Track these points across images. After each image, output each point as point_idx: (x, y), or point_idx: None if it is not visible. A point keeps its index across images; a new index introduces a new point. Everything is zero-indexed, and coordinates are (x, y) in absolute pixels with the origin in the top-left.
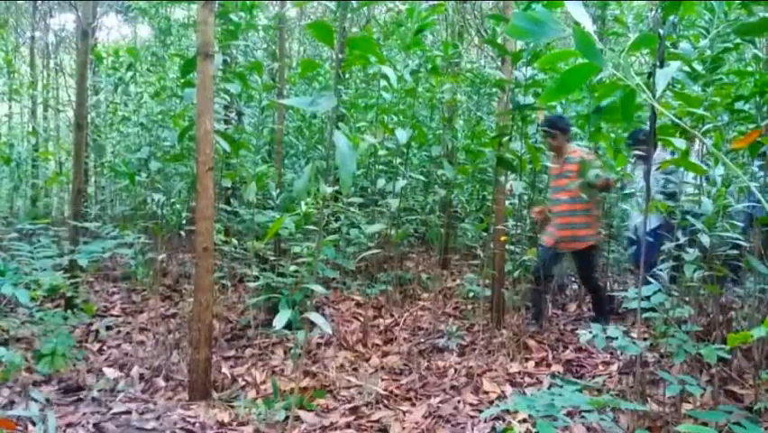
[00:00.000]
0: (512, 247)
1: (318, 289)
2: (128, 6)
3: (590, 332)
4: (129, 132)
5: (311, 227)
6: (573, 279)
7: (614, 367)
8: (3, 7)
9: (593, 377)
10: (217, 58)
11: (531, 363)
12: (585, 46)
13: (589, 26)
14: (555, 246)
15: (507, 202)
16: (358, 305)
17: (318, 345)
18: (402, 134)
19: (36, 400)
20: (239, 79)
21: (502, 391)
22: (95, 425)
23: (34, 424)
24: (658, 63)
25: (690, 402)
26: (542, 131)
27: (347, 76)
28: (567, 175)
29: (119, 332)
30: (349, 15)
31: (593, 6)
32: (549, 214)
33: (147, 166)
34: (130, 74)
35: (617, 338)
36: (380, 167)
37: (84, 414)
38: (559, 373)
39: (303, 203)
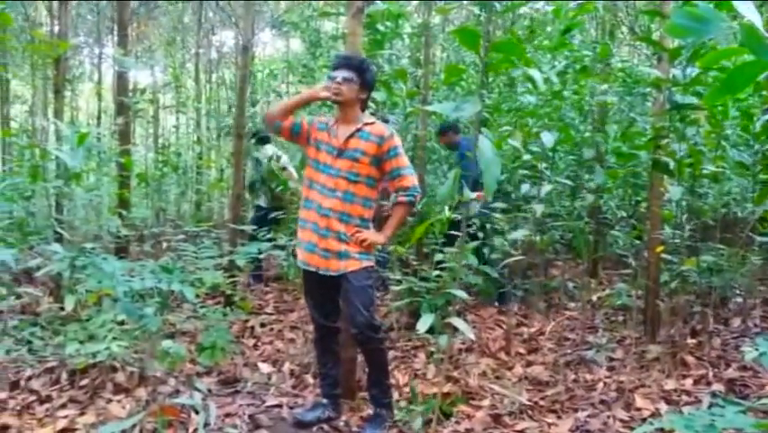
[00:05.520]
0: (668, 256)
1: (461, 294)
2: (281, 21)
3: (757, 349)
4: (283, 141)
5: (454, 233)
6: (738, 290)
7: None
8: (171, 27)
9: (759, 398)
10: None
11: (689, 381)
12: (753, 42)
13: (758, 21)
14: (313, 266)
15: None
16: (500, 312)
17: (460, 350)
18: (548, 138)
19: (199, 390)
20: (384, 87)
21: (656, 409)
22: (250, 416)
23: (197, 412)
24: None
25: None
26: (336, 67)
27: (490, 79)
28: (354, 156)
29: (272, 329)
30: (493, 18)
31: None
32: (303, 211)
33: (300, 174)
34: (284, 85)
35: None
36: (524, 171)
37: (240, 405)
38: (720, 392)
39: (446, 208)
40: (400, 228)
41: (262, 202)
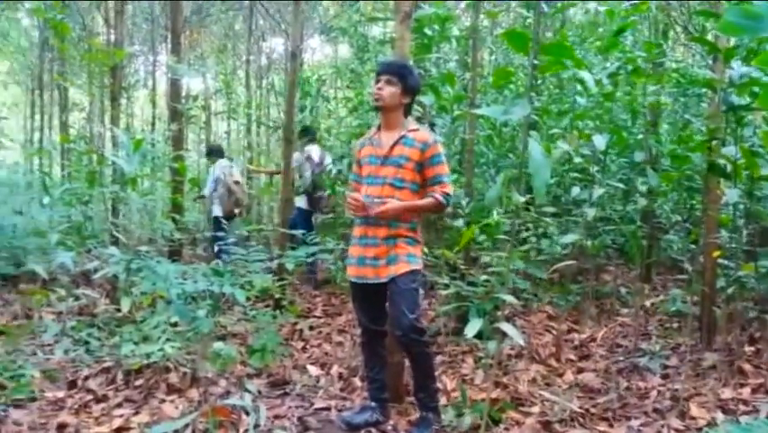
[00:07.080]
0: (725, 261)
1: (510, 299)
2: (330, 27)
3: None
4: (330, 145)
5: (502, 237)
6: None
7: None
8: (222, 34)
9: None
10: None
11: (746, 390)
12: None
13: None
14: (363, 277)
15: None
16: (550, 317)
17: (509, 356)
18: (600, 140)
19: (249, 392)
20: (431, 91)
21: (712, 418)
22: (299, 418)
23: (247, 413)
24: None
25: None
26: (379, 72)
27: (539, 82)
28: (398, 162)
29: (320, 332)
30: (542, 20)
31: None
32: (353, 229)
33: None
34: (332, 91)
35: None
36: (575, 175)
37: (289, 407)
38: None
39: (494, 212)
40: (420, 214)
41: (218, 212)
